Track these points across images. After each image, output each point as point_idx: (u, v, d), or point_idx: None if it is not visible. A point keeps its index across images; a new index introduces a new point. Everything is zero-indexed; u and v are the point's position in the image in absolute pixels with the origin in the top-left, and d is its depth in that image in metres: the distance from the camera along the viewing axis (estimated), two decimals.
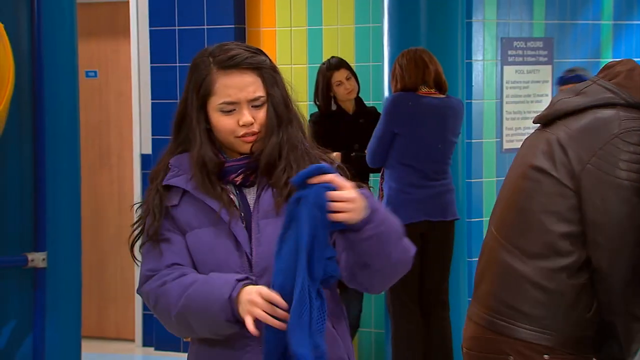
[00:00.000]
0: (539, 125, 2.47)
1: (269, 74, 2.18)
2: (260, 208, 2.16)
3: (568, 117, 2.37)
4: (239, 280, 2.08)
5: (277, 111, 2.18)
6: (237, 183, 2.19)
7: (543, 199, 2.30)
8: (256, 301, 2.02)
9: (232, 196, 2.18)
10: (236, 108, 2.16)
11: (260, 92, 2.17)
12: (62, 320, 3.88)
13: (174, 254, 2.17)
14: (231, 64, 2.16)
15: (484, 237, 2.46)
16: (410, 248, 2.17)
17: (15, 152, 3.84)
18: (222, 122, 2.16)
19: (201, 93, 2.17)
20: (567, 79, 5.08)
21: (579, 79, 4.47)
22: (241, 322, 2.06)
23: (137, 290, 2.24)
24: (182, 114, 2.21)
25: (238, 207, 2.16)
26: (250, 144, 2.18)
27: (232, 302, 2.06)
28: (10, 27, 3.59)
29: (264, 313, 2.01)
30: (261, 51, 2.22)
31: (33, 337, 3.85)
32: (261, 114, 2.17)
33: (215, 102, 2.17)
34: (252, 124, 2.16)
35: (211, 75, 2.16)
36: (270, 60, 2.22)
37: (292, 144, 2.17)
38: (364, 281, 2.13)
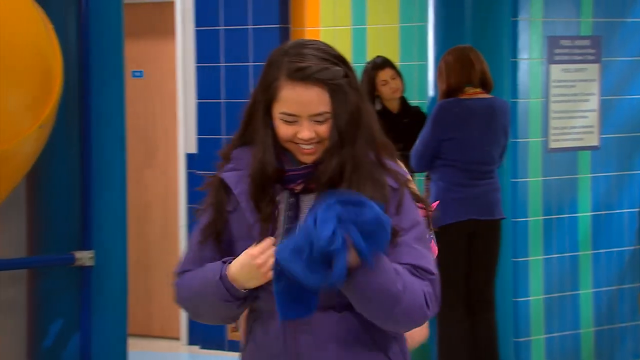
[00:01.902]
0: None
1: (339, 89, 2.09)
2: None
3: None
4: (224, 262, 2.10)
5: (340, 129, 2.09)
6: (296, 191, 2.15)
7: None
8: (259, 263, 2.05)
9: (281, 205, 2.14)
10: (298, 120, 2.10)
11: (324, 108, 2.09)
12: (109, 318, 3.91)
13: (204, 260, 2.18)
14: (298, 77, 2.08)
15: None
16: (420, 313, 2.09)
17: (63, 151, 3.88)
18: (282, 130, 2.12)
19: (268, 95, 2.12)
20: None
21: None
22: (240, 299, 2.09)
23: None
24: (252, 107, 2.17)
25: (282, 217, 2.13)
26: (310, 156, 2.12)
27: (224, 281, 2.08)
28: (59, 28, 3.63)
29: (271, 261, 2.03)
30: (340, 59, 2.12)
31: (80, 335, 3.89)
32: (323, 128, 2.10)
33: (278, 109, 2.11)
34: (311, 138, 2.10)
35: (279, 81, 2.10)
36: (346, 69, 2.11)
37: (357, 163, 2.10)
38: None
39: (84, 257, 3.86)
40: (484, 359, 4.89)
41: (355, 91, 2.11)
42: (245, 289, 2.09)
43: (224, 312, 2.13)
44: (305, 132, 2.09)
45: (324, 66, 2.09)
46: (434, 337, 4.98)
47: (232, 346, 5.87)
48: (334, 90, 2.09)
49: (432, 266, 2.14)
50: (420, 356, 5.59)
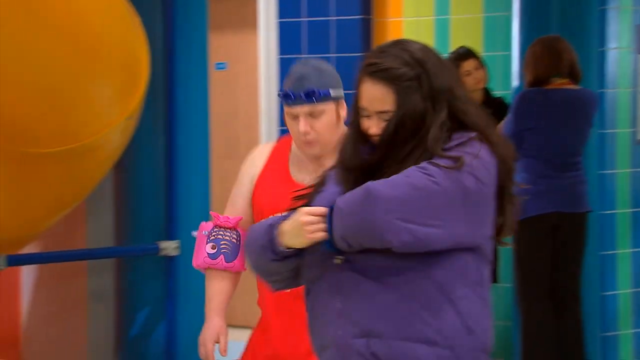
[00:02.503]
0: None
1: (402, 91, 2.10)
2: None
3: None
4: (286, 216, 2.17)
5: (388, 129, 2.11)
6: None
7: None
8: (304, 220, 2.10)
9: None
10: (370, 115, 2.15)
11: (388, 107, 2.12)
12: (194, 307, 3.96)
13: None
14: (367, 72, 2.14)
15: None
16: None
17: (148, 143, 3.94)
18: (362, 123, 2.18)
19: (356, 87, 2.19)
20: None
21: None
22: (275, 252, 2.14)
23: None
24: None
25: None
26: None
27: (272, 228, 2.14)
28: (146, 21, 3.68)
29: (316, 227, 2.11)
30: (420, 62, 2.12)
31: (165, 324, 3.95)
32: None
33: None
34: (376, 134, 2.14)
35: (360, 74, 2.16)
36: (421, 73, 2.11)
37: (398, 163, 2.11)
38: None
39: (169, 247, 3.91)
40: (569, 354, 4.81)
41: (424, 97, 2.10)
42: (286, 247, 2.13)
43: (259, 258, 2.19)
44: (374, 127, 2.14)
45: (392, 66, 2.11)
46: (517, 330, 4.92)
47: None
48: (398, 92, 2.10)
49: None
50: (504, 349, 5.53)
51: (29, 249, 3.84)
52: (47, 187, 3.42)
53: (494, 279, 5.30)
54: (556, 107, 4.72)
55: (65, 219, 3.74)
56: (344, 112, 2.78)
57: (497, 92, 5.48)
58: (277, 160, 2.87)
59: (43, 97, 3.16)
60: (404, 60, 2.11)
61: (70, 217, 3.77)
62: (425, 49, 2.15)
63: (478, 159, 2.10)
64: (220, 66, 6.71)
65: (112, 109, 3.43)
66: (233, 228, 2.85)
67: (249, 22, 6.57)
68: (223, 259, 2.81)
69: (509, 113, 4.85)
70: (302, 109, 2.72)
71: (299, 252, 2.16)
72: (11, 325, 4.10)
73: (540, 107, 4.73)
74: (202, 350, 2.86)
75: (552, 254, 4.78)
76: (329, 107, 2.73)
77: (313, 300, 2.19)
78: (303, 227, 2.10)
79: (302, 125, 2.71)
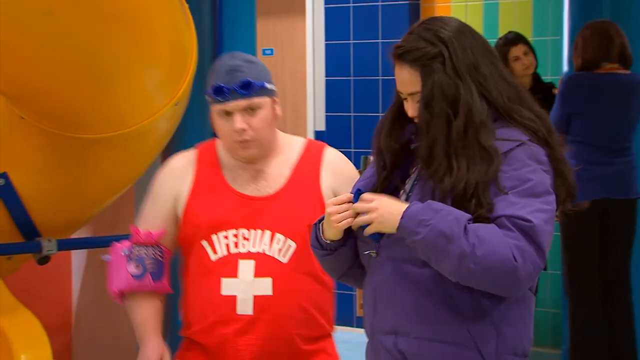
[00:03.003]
0: None
1: (426, 70, 2.07)
2: (412, 199, 2.12)
3: None
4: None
5: (420, 111, 2.08)
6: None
7: None
8: (329, 211, 2.11)
9: (411, 177, 2.17)
10: (405, 97, 2.13)
11: (417, 88, 2.09)
12: None
13: None
14: (394, 55, 2.12)
15: None
16: (504, 266, 2.00)
17: (196, 128, 3.96)
18: (404, 105, 2.16)
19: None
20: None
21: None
22: (322, 248, 2.18)
23: None
24: None
25: (404, 191, 2.16)
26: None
27: (316, 228, 2.19)
28: (193, 6, 3.70)
29: (339, 216, 2.10)
30: (443, 41, 2.07)
31: None
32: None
33: None
34: (414, 116, 2.12)
35: (391, 59, 2.15)
36: (446, 51, 2.06)
37: (447, 140, 2.06)
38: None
39: None
40: (619, 341, 4.77)
41: (450, 74, 2.06)
42: (328, 240, 2.16)
43: (318, 259, 2.23)
44: (410, 109, 2.12)
45: (415, 46, 2.09)
46: (566, 316, 4.88)
47: (361, 322, 5.88)
48: (421, 71, 2.08)
49: (533, 215, 2.03)
50: (553, 337, 5.48)
51: (78, 234, 3.89)
52: (97, 172, 3.45)
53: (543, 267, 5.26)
54: (604, 92, 4.66)
55: (114, 204, 3.77)
56: (279, 110, 2.56)
57: (548, 78, 5.42)
58: (207, 170, 2.57)
59: (92, 83, 3.19)
60: (426, 39, 2.09)
61: (119, 202, 3.80)
62: (456, 27, 2.10)
63: (540, 174, 2.12)
64: (267, 52, 6.72)
65: (160, 94, 3.44)
66: (155, 244, 2.57)
67: (297, 7, 6.57)
68: (150, 278, 2.53)
69: (556, 98, 4.80)
70: (237, 104, 2.48)
71: (344, 243, 2.17)
72: (63, 310, 4.15)
73: (587, 92, 4.67)
74: None
75: (601, 241, 4.73)
76: (265, 102, 2.52)
77: (364, 292, 2.21)
78: (328, 217, 2.12)
79: (239, 122, 2.46)
